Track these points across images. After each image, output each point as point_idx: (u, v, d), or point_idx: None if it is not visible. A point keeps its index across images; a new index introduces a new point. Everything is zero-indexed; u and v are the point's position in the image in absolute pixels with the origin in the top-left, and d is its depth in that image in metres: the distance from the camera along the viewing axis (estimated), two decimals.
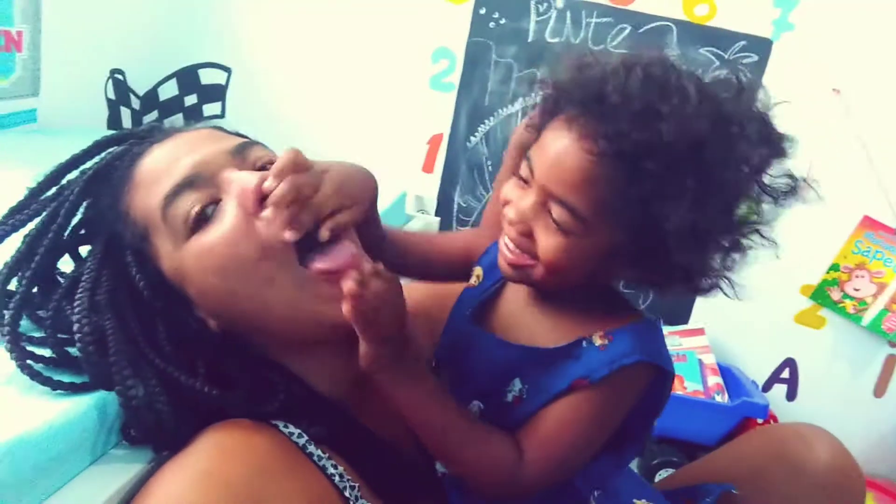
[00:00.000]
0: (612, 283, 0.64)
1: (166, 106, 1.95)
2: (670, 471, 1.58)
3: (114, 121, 1.82)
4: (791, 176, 0.58)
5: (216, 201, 0.57)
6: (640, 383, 0.59)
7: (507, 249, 0.60)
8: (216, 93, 1.97)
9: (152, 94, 1.93)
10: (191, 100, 1.97)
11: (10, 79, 1.42)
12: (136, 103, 1.90)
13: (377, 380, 0.57)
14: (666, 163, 0.52)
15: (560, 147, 0.55)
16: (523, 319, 0.65)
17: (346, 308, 0.53)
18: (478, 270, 0.72)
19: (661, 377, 0.60)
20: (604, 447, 0.61)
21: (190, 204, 0.56)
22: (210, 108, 1.98)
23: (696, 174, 0.52)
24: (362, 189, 0.64)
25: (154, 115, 1.92)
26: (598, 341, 0.59)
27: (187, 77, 1.95)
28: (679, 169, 0.52)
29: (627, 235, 0.56)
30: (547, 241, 0.57)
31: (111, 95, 1.80)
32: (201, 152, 0.59)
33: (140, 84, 1.90)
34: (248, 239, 0.55)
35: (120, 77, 1.82)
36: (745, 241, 0.58)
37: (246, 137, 0.65)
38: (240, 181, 0.56)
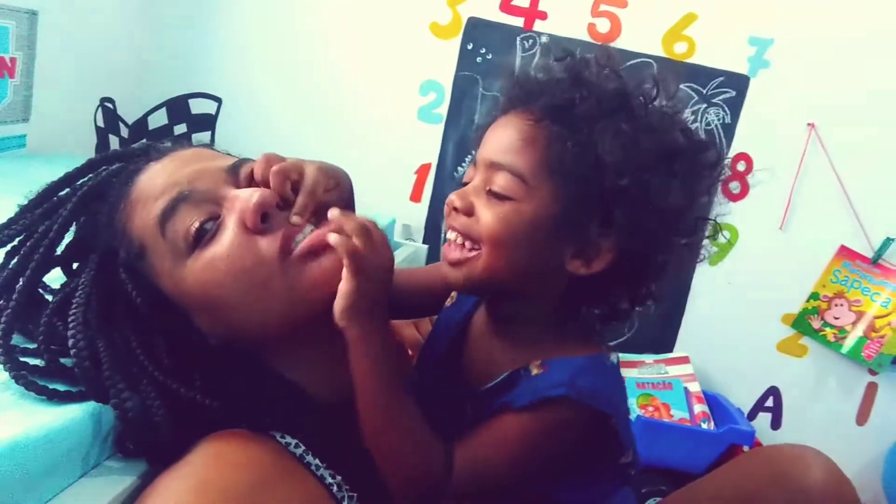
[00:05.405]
0: (567, 304, 0.62)
1: (155, 135, 1.94)
2: (658, 499, 1.57)
3: (102, 148, 1.82)
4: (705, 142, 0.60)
5: (215, 217, 0.57)
6: (568, 417, 0.56)
7: (448, 247, 0.60)
8: (206, 122, 1.98)
9: (141, 122, 1.93)
10: (180, 129, 1.97)
11: (2, 104, 1.43)
12: (125, 132, 1.90)
13: (347, 324, 0.55)
14: (597, 106, 0.56)
15: (501, 125, 0.60)
16: (482, 354, 0.65)
17: (333, 239, 0.54)
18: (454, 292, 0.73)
19: (598, 415, 0.57)
20: (571, 476, 0.60)
21: (189, 220, 0.57)
22: (199, 138, 1.98)
23: (628, 117, 0.56)
24: (341, 173, 0.66)
25: (143, 143, 1.93)
26: (534, 370, 0.58)
27: (177, 106, 1.96)
28: (611, 110, 0.56)
29: (568, 194, 0.56)
30: (488, 213, 0.57)
31: (100, 123, 1.81)
32: (197, 168, 0.60)
33: (130, 113, 1.90)
34: (248, 252, 0.56)
35: (110, 105, 1.82)
36: (686, 221, 0.59)
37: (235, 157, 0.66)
38: (241, 198, 0.58)
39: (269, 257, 0.56)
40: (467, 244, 0.59)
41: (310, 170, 0.61)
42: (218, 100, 1.97)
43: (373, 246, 0.54)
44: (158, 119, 1.96)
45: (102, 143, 1.83)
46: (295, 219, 0.58)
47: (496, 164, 0.58)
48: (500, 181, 0.57)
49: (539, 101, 0.58)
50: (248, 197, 0.57)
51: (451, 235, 0.60)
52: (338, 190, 0.62)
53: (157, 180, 0.59)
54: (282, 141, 1.94)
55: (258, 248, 0.56)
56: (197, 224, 0.56)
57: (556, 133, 0.56)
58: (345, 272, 0.54)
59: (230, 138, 1.96)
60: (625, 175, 0.54)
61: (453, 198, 0.60)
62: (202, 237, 0.56)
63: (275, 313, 0.57)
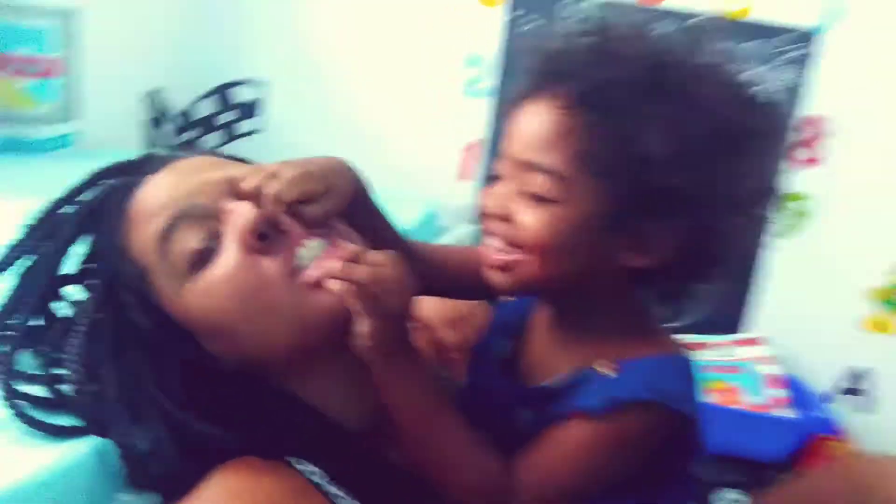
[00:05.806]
0: (631, 299, 0.58)
1: (203, 124, 1.96)
2: (725, 491, 1.49)
3: (151, 141, 1.84)
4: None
5: (215, 235, 0.53)
6: (649, 423, 0.53)
7: (488, 251, 0.56)
8: (253, 108, 1.98)
9: (190, 112, 1.95)
10: (228, 116, 1.98)
11: (49, 104, 1.45)
12: (173, 122, 1.92)
13: (372, 362, 0.52)
14: (631, 89, 0.50)
15: (527, 115, 0.54)
16: (544, 352, 0.61)
17: (335, 285, 0.50)
18: None
19: (683, 419, 0.54)
20: (632, 488, 0.56)
21: (189, 239, 0.53)
22: (247, 124, 1.99)
23: (667, 97, 0.50)
24: (336, 179, 0.57)
25: (191, 133, 1.94)
26: (605, 371, 0.54)
27: (224, 94, 1.96)
28: (648, 91, 0.50)
29: (611, 188, 0.51)
30: (528, 219, 0.52)
31: (148, 116, 1.82)
32: (196, 181, 0.56)
33: (177, 103, 1.92)
34: (251, 274, 0.52)
35: (157, 98, 1.84)
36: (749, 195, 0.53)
37: (246, 162, 0.62)
38: (236, 213, 0.53)
39: (274, 280, 0.52)
40: (509, 248, 0.55)
41: (284, 174, 0.54)
42: (263, 85, 1.96)
43: (383, 289, 0.50)
44: (206, 108, 1.97)
45: (151, 136, 1.85)
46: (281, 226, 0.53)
47: (530, 164, 0.53)
48: (538, 182, 0.52)
49: (568, 82, 0.52)
50: (242, 212, 0.53)
51: (490, 241, 0.56)
52: (332, 199, 0.55)
53: (155, 196, 0.55)
54: (327, 123, 1.91)
55: (261, 270, 0.52)
56: (195, 244, 0.52)
57: (590, 123, 0.51)
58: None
59: (276, 124, 1.96)
60: (673, 170, 0.49)
61: (487, 202, 0.56)
62: (203, 257, 0.52)
63: (283, 340, 0.53)
